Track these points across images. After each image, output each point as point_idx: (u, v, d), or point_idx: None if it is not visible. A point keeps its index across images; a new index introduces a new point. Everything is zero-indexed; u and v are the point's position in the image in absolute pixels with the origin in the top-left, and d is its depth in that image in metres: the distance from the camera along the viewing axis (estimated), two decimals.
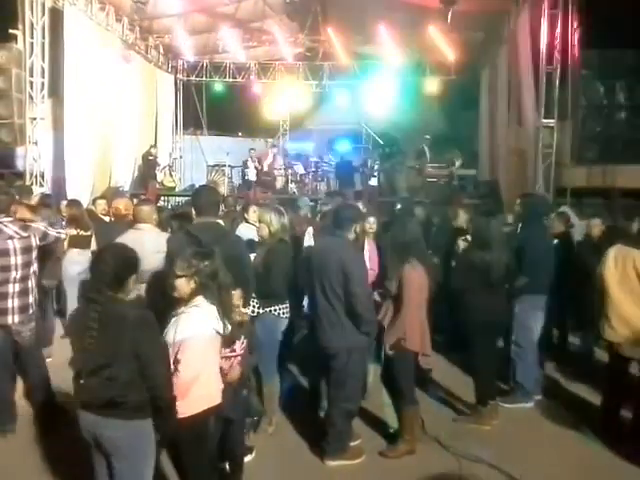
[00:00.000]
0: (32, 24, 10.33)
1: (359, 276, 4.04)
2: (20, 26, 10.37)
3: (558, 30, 10.06)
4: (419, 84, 15.96)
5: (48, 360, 5.19)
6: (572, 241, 6.59)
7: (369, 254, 5.34)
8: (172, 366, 3.00)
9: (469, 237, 5.53)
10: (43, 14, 10.42)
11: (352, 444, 4.35)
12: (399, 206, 9.45)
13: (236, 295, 3.69)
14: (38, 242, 4.56)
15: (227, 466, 3.80)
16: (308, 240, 5.84)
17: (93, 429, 2.82)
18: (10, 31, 10.39)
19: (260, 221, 4.64)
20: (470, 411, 5.08)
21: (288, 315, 4.58)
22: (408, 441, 4.35)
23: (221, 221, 4.34)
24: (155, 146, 15.11)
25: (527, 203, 5.75)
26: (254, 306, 4.40)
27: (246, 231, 5.45)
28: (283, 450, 4.41)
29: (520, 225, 5.81)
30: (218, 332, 3.15)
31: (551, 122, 10.59)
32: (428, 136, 14.65)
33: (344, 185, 14.72)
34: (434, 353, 4.79)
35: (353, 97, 16.81)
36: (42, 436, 4.48)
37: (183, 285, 3.14)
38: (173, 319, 3.14)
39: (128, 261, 2.91)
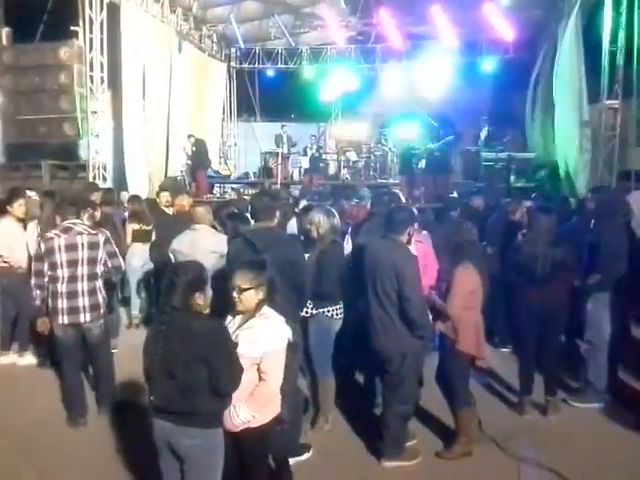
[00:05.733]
0: (91, 20, 10.71)
1: (412, 280, 4.00)
2: (80, 22, 10.69)
3: (623, 7, 9.59)
4: (474, 64, 15.53)
5: (114, 351, 5.45)
6: (633, 232, 6.29)
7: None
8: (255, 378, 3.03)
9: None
10: (102, 9, 10.77)
11: (408, 444, 4.37)
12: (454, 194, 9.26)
13: None
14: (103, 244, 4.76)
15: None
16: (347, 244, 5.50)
17: (168, 437, 2.88)
18: (71, 28, 10.72)
19: (310, 223, 4.59)
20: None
21: (342, 316, 4.59)
22: (464, 442, 4.33)
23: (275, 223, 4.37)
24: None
25: (599, 199, 5.54)
26: (308, 307, 4.44)
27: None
28: (340, 448, 4.46)
29: (593, 221, 5.47)
30: (289, 340, 3.18)
31: (615, 103, 10.17)
32: (486, 117, 14.27)
33: (404, 171, 14.45)
34: (492, 349, 4.79)
35: (406, 79, 16.49)
36: (110, 429, 4.70)
37: (251, 297, 3.09)
38: (244, 332, 3.07)
39: (200, 278, 2.96)
